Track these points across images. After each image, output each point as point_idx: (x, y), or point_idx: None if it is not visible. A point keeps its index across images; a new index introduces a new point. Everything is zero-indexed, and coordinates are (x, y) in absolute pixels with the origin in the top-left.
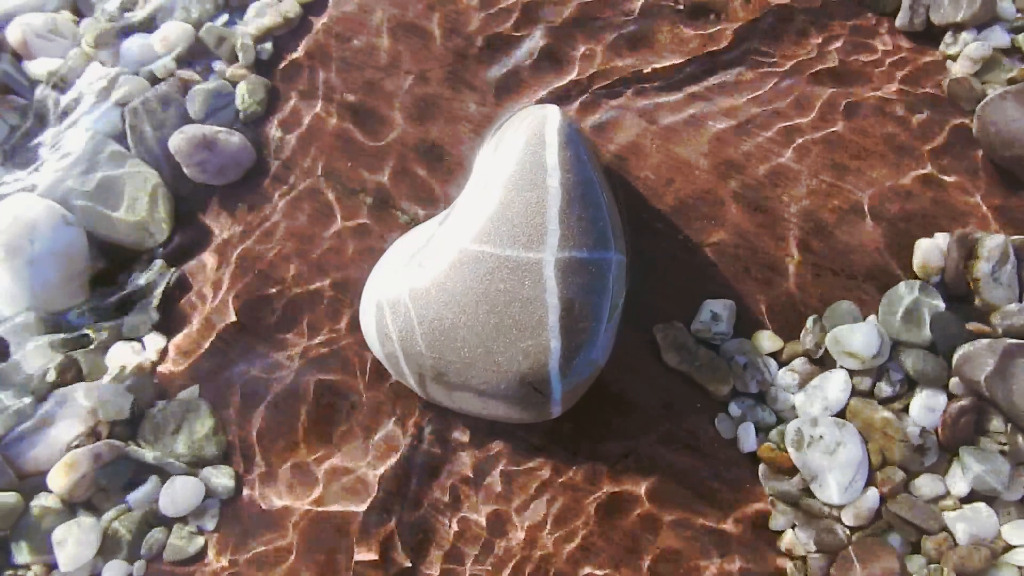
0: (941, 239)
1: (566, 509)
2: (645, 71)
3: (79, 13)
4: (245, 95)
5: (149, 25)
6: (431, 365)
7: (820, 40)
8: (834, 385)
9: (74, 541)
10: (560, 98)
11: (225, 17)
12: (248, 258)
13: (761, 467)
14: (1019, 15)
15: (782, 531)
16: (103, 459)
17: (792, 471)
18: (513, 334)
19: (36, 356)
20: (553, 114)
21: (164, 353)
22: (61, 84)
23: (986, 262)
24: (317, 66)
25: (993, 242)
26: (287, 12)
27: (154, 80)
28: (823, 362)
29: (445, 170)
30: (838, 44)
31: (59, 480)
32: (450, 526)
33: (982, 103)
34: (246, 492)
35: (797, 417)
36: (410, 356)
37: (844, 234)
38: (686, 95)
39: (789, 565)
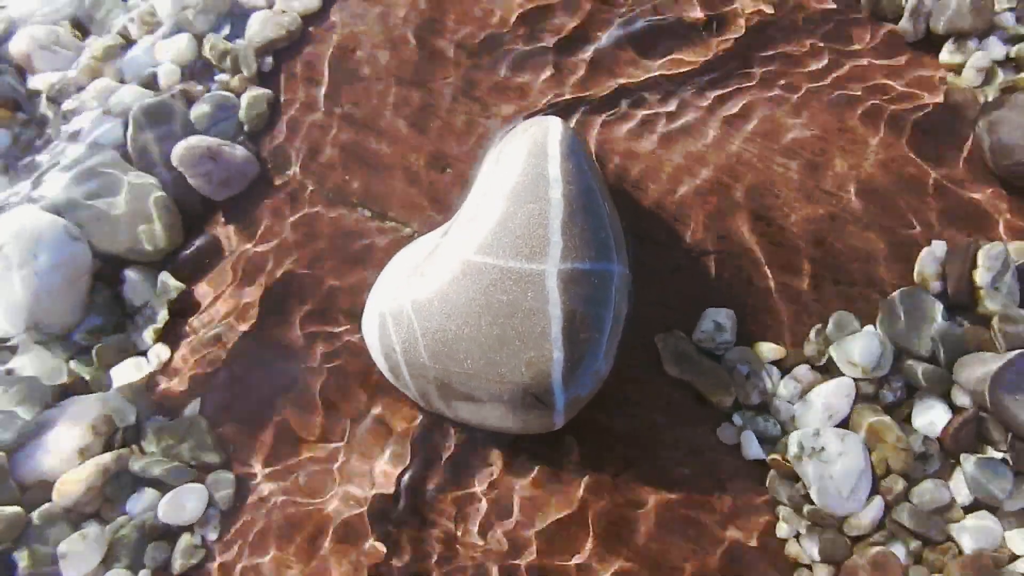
0: (940, 248)
1: (569, 519)
2: (645, 81)
3: (82, 26)
4: (248, 106)
5: (153, 37)
6: (434, 376)
7: (821, 48)
8: (836, 394)
9: (78, 552)
10: (562, 109)
11: (228, 30)
12: (251, 269)
13: (769, 476)
14: (1018, 24)
15: (787, 540)
16: (107, 470)
17: (797, 480)
18: (516, 345)
19: (39, 367)
20: (555, 126)
21: (168, 365)
22: (64, 96)
23: (987, 271)
24: (319, 78)
25: (993, 251)
26: (288, 24)
27: (157, 92)
28: (826, 371)
29: (447, 182)
30: (839, 52)
31: (63, 491)
32: (452, 534)
33: (983, 112)
34: (249, 500)
35: (800, 427)
36: (413, 367)
37: (845, 243)
38: (686, 105)
39: (794, 575)
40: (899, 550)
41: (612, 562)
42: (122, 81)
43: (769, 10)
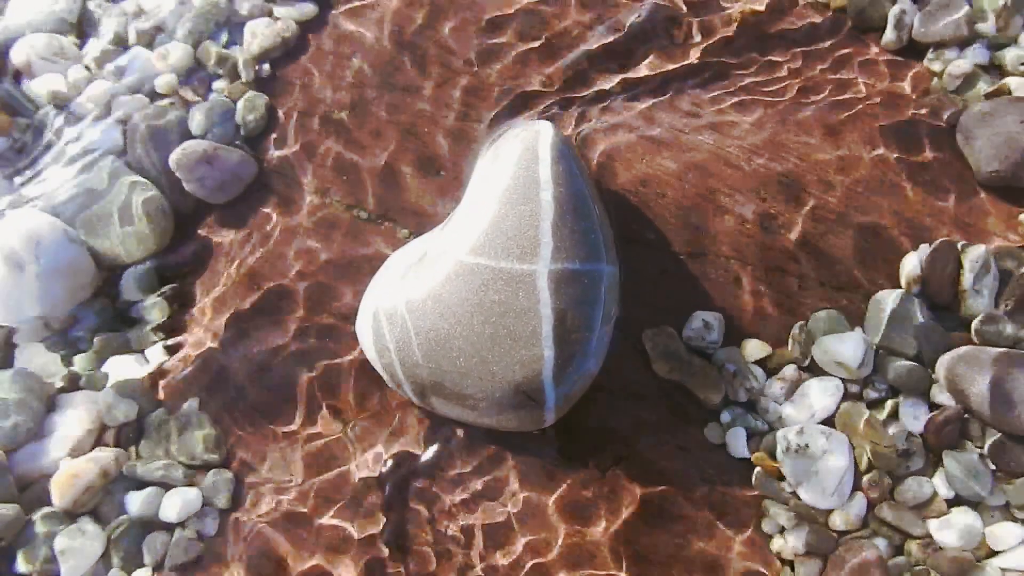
0: (924, 250)
1: (560, 515)
2: (634, 84)
3: (82, 33)
4: (245, 112)
5: (151, 44)
6: (427, 375)
7: (805, 56)
8: (821, 393)
9: (76, 549)
10: (552, 113)
11: (225, 36)
12: (248, 272)
13: (755, 473)
14: (998, 33)
15: (773, 535)
16: (104, 468)
17: (783, 477)
18: (508, 344)
19: (39, 367)
20: (546, 129)
21: (165, 363)
22: (63, 102)
23: (969, 273)
24: (315, 83)
25: (975, 253)
26: (284, 31)
27: (155, 97)
28: (811, 370)
29: (441, 184)
30: (823, 59)
31: (62, 490)
32: (444, 532)
33: (964, 118)
34: (246, 496)
35: (786, 424)
36: (407, 366)
37: (830, 245)
38: (675, 108)
39: (780, 569)
40: (882, 544)
41: (601, 556)
42: (120, 86)
43: (759, 15)
